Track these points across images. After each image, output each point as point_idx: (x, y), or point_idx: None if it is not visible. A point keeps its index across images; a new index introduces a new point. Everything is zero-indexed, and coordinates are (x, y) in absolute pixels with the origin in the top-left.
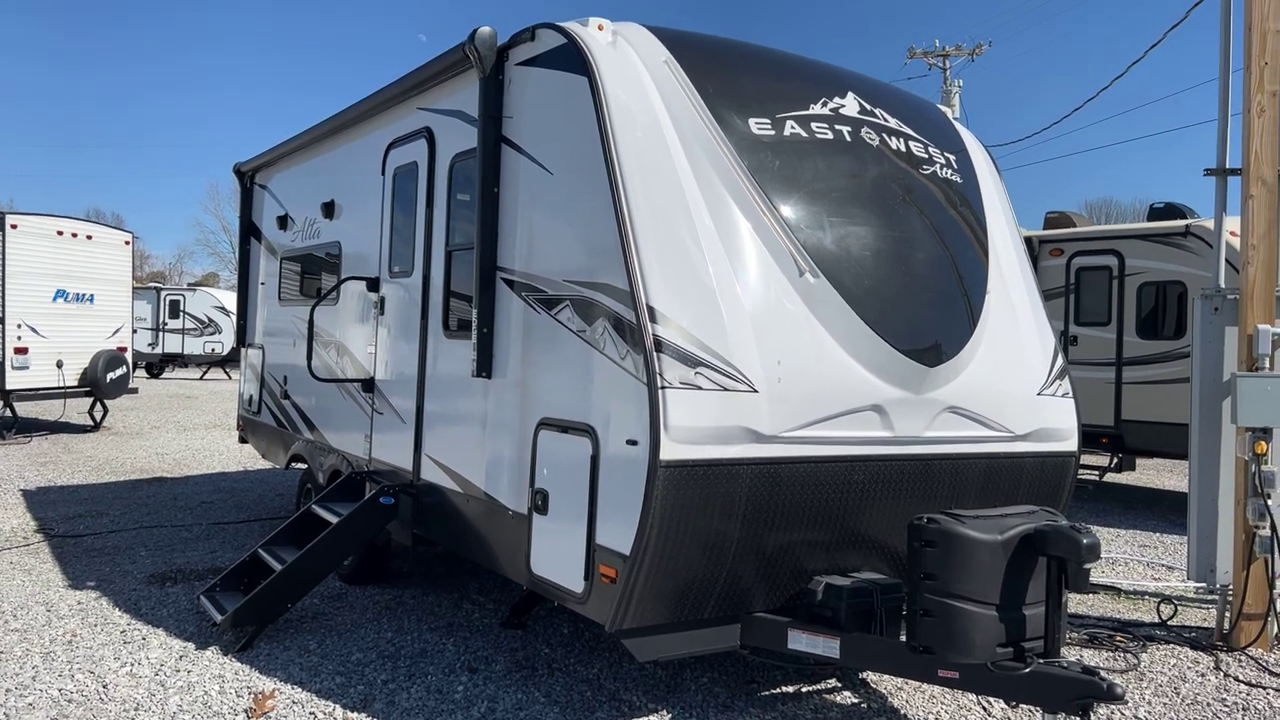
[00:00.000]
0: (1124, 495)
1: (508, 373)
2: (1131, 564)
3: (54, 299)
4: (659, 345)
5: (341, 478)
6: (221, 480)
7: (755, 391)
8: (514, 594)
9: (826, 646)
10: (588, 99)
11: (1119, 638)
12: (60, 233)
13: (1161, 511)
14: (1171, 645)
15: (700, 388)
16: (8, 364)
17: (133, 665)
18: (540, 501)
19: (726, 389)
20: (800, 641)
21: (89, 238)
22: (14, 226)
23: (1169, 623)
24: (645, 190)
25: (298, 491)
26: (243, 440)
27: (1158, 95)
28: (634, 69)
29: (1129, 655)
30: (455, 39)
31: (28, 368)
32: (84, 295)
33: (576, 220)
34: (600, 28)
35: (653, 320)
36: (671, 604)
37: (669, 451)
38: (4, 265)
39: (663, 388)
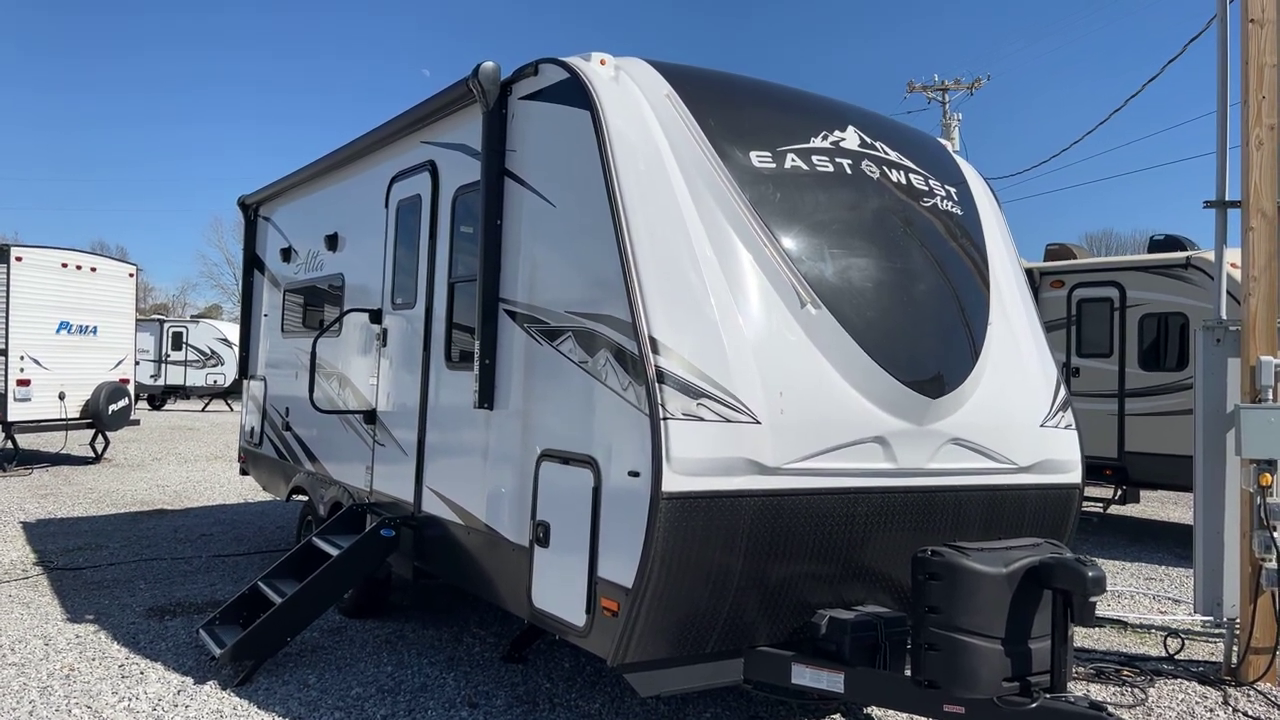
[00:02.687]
0: (1129, 528)
1: (509, 404)
2: (1137, 597)
3: (57, 331)
4: (661, 376)
5: (342, 510)
6: (222, 512)
7: (758, 423)
8: (515, 627)
9: (831, 681)
10: (590, 132)
11: (1126, 672)
12: (65, 265)
13: (1167, 544)
14: (1179, 680)
15: (702, 419)
16: (10, 396)
17: (130, 700)
18: (541, 534)
19: (729, 420)
20: (804, 676)
21: (93, 270)
22: (19, 259)
23: (1176, 657)
24: (647, 222)
25: (298, 524)
26: (244, 472)
27: (1156, 128)
28: (636, 103)
29: (1136, 690)
30: (459, 75)
31: (30, 399)
32: (87, 327)
33: (579, 252)
34: (602, 62)
35: (655, 351)
36: (674, 638)
37: (671, 483)
38: (8, 297)
39: (665, 419)
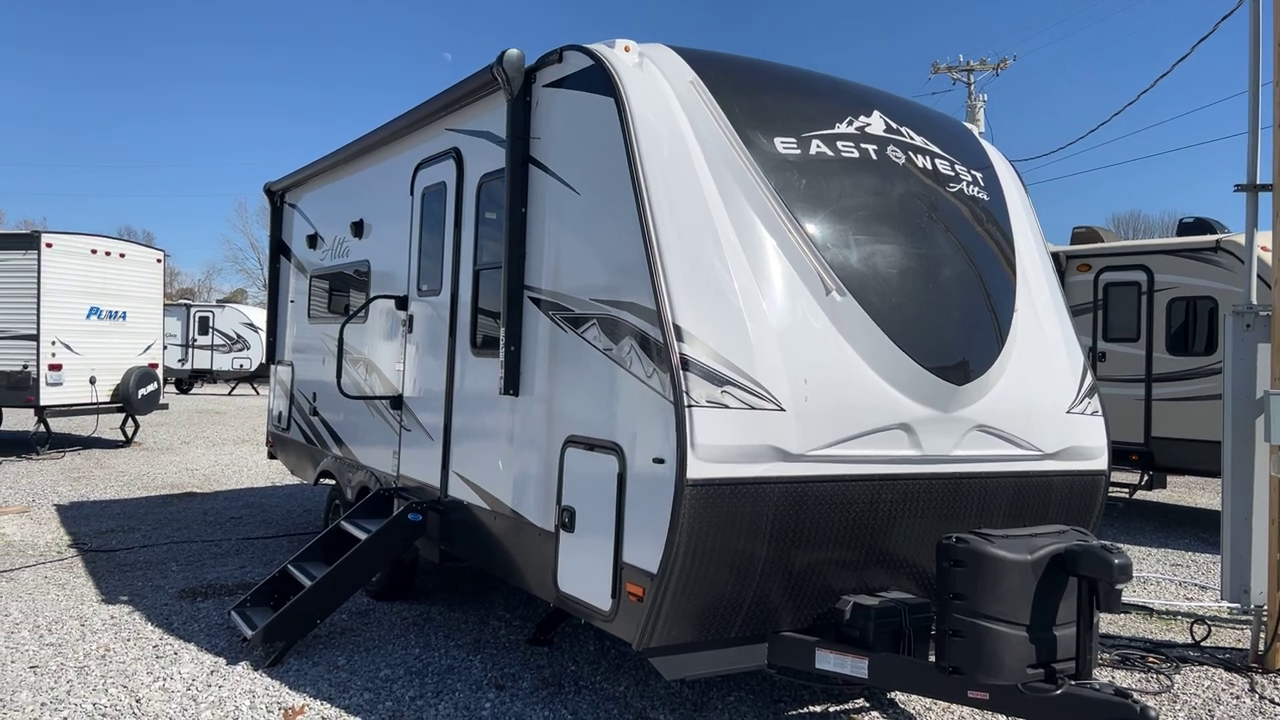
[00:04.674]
0: (1155, 513)
1: (535, 390)
2: (1164, 584)
3: (88, 316)
4: (685, 364)
5: (370, 494)
6: (250, 495)
7: (782, 410)
8: (540, 611)
9: (854, 666)
10: (615, 120)
11: (1152, 659)
12: (94, 251)
13: (1194, 530)
14: (1205, 667)
15: (727, 406)
16: (42, 380)
17: (165, 680)
18: (567, 519)
19: (753, 407)
20: (828, 661)
21: (122, 256)
22: (50, 245)
23: (1202, 644)
24: (671, 209)
25: (326, 507)
26: (272, 456)
27: (1186, 109)
28: (660, 90)
29: (1162, 677)
30: (479, 62)
31: (62, 384)
32: (117, 313)
33: (603, 239)
34: (627, 49)
35: (679, 339)
36: (698, 622)
37: (696, 470)
38: (40, 283)
39: (689, 406)
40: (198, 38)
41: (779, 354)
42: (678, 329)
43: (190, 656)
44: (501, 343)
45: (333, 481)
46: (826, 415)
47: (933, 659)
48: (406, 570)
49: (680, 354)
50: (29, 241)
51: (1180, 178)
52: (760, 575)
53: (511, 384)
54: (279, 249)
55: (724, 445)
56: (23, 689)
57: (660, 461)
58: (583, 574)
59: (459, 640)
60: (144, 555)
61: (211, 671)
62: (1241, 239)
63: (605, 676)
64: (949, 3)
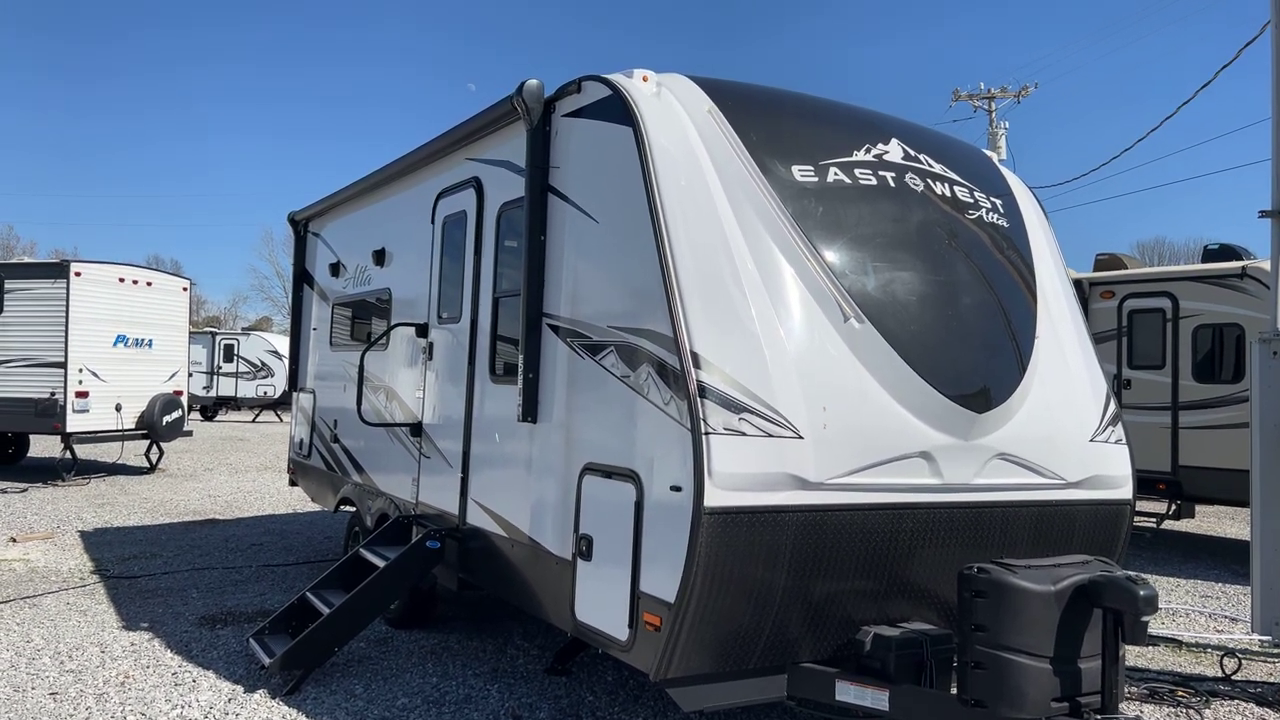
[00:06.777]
0: (1184, 543)
1: (553, 417)
2: (1193, 615)
3: (114, 344)
4: (703, 391)
5: (389, 521)
6: (271, 522)
7: (800, 438)
8: (558, 640)
9: (875, 699)
10: (632, 149)
11: (1181, 692)
12: (122, 280)
13: (1224, 561)
14: (1236, 701)
15: (745, 434)
16: (69, 407)
17: (183, 708)
18: (584, 547)
19: (771, 435)
20: (848, 693)
21: (149, 284)
22: (78, 274)
23: (1233, 677)
24: (689, 237)
25: (346, 534)
26: (293, 483)
27: (1210, 135)
28: (678, 119)
29: (1191, 711)
30: (503, 89)
31: (88, 411)
32: (143, 340)
33: (621, 267)
34: (645, 79)
35: (696, 366)
36: (717, 653)
37: (713, 498)
38: (68, 312)
39: (707, 433)
40: (227, 61)
41: (797, 381)
42: (695, 356)
43: (209, 684)
44: (520, 370)
45: (353, 508)
46: (845, 443)
47: (955, 691)
48: (425, 598)
49: (697, 381)
50: (59, 270)
51: (1206, 204)
52: (779, 605)
53: (530, 411)
54: (302, 277)
55: (742, 473)
56: (42, 716)
57: (677, 489)
58: (600, 603)
59: (477, 669)
60: (165, 582)
61: (229, 699)
62: (1267, 265)
63: (623, 707)
64: (971, 28)
